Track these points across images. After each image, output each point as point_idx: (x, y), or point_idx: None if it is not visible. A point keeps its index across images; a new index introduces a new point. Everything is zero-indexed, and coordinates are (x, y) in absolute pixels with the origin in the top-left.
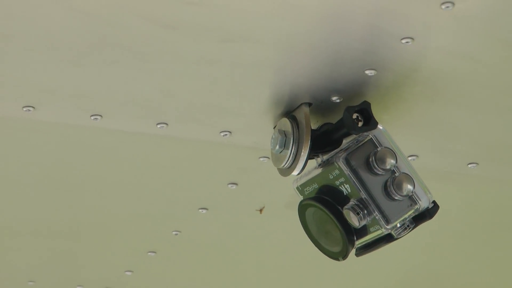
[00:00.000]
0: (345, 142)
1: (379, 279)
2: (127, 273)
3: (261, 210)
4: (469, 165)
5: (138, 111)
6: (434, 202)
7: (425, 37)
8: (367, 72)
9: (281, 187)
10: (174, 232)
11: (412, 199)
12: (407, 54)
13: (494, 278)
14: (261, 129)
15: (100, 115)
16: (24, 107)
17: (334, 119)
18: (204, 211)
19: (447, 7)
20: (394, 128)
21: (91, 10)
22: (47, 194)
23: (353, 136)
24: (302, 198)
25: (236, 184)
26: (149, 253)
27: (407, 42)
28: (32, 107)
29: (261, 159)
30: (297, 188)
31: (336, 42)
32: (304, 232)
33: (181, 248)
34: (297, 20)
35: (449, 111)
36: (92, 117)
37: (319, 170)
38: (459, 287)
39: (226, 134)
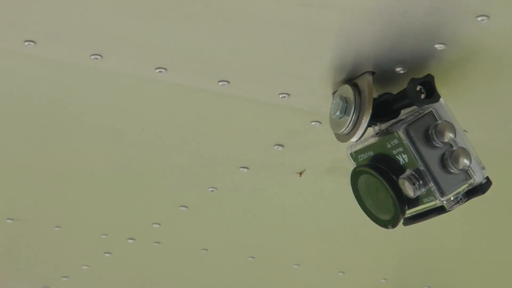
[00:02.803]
0: (404, 112)
1: (401, 247)
2: (154, 225)
3: (301, 174)
4: None
5: (203, 67)
6: (487, 178)
7: (501, 16)
8: (436, 46)
9: (327, 152)
10: (210, 189)
11: (467, 173)
12: (480, 31)
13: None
14: (319, 94)
15: (165, 68)
16: (92, 55)
17: (394, 89)
18: (245, 170)
19: None
20: (449, 102)
21: None
22: (92, 140)
23: (412, 108)
24: (355, 164)
25: (282, 146)
26: (180, 208)
27: (482, 19)
28: (100, 55)
29: (313, 123)
30: (351, 154)
31: (411, 14)
32: (351, 198)
33: (214, 204)
34: None
35: (507, 90)
36: (157, 70)
37: (376, 139)
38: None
39: (284, 96)
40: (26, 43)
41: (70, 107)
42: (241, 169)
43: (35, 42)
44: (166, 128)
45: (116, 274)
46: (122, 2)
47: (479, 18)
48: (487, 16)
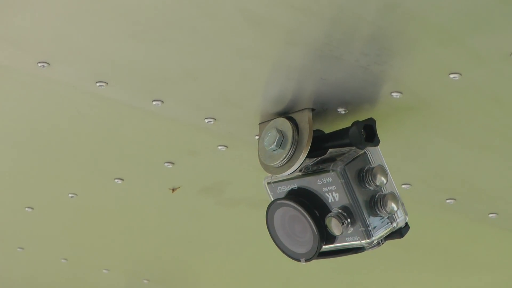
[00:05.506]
0: (331, 151)
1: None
2: None
3: (173, 190)
4: (403, 186)
5: (141, 85)
6: (406, 222)
7: (474, 75)
8: (393, 94)
9: (213, 174)
10: (70, 195)
11: (392, 217)
12: (446, 87)
13: None
14: (245, 122)
15: (106, 82)
16: (39, 62)
17: (326, 127)
18: (119, 181)
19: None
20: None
21: None
22: None
23: (341, 148)
24: (271, 195)
25: (173, 163)
26: (26, 209)
27: (454, 77)
28: (47, 63)
29: (220, 147)
30: (269, 183)
31: (385, 64)
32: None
33: (64, 209)
34: (349, 36)
35: (442, 146)
36: (97, 84)
37: (301, 173)
38: None
39: (210, 121)
40: None
41: None
42: (115, 180)
43: None
44: (59, 132)
45: None
46: (74, 12)
47: (451, 75)
48: (460, 74)
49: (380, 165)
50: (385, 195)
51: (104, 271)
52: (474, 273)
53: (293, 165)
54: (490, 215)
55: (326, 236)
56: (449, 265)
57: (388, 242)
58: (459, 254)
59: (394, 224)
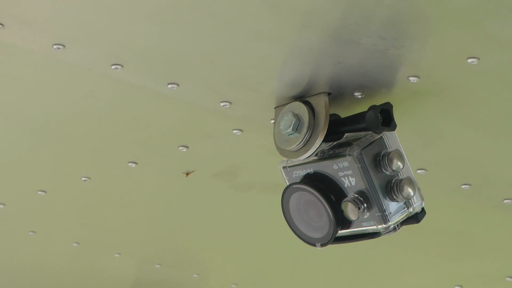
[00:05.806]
0: (347, 135)
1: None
2: None
3: (187, 174)
4: (418, 171)
5: (157, 68)
6: (422, 208)
7: (491, 59)
8: (410, 78)
9: (228, 158)
10: (83, 178)
11: (409, 202)
12: (464, 71)
13: None
14: (260, 106)
15: (122, 65)
16: (54, 44)
17: (342, 111)
18: (133, 165)
19: None
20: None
21: None
22: None
23: (357, 132)
24: (287, 179)
25: (187, 147)
26: (39, 192)
27: (472, 61)
28: (62, 45)
29: (235, 131)
30: (285, 168)
31: (403, 48)
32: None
33: (76, 192)
34: (367, 20)
35: (456, 130)
36: (113, 66)
37: (317, 157)
38: None
39: (226, 105)
40: None
41: None
42: (129, 163)
43: (3, 25)
44: (72, 115)
45: None
46: None
47: (469, 60)
48: (478, 59)
49: (396, 149)
50: (401, 180)
51: (116, 255)
52: (488, 258)
53: (309, 149)
54: (505, 201)
55: (342, 221)
56: (463, 250)
57: (403, 227)
58: (474, 240)
59: (411, 209)
